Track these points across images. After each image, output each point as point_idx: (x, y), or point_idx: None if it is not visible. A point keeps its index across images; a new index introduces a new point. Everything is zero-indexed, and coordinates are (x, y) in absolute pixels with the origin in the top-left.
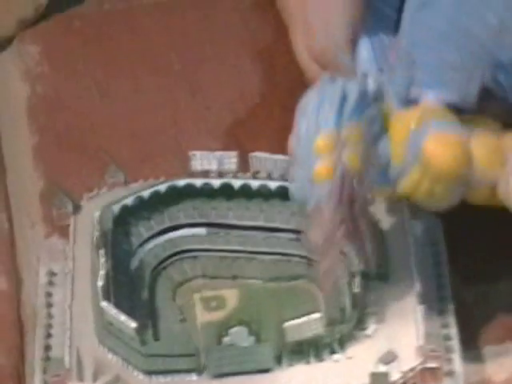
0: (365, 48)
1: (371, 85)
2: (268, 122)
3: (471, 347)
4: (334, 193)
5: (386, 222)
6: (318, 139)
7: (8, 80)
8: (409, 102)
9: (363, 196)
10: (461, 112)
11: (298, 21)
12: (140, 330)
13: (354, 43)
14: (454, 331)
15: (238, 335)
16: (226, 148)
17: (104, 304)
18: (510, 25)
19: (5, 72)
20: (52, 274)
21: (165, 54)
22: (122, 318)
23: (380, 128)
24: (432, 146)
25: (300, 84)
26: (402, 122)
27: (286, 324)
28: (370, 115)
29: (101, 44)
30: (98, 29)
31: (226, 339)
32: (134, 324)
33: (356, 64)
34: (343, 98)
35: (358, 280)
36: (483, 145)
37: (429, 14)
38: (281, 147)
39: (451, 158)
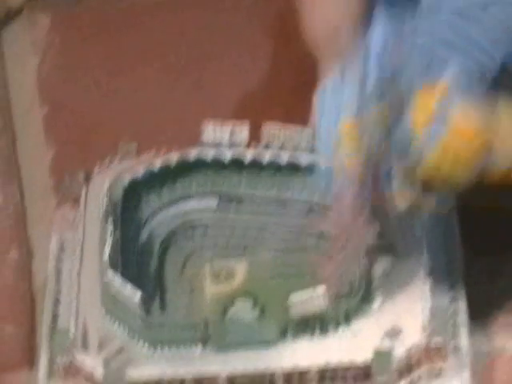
0: (379, 27)
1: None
2: (280, 92)
3: (481, 319)
4: (359, 180)
5: None
6: (340, 128)
7: (18, 50)
8: (429, 80)
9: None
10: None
11: None
12: (146, 301)
13: (366, 22)
14: (462, 306)
15: (243, 307)
16: (236, 118)
17: (110, 274)
18: None
19: (15, 42)
20: (63, 243)
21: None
22: (128, 288)
23: (400, 109)
24: (460, 114)
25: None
26: (425, 99)
27: (292, 297)
28: (391, 95)
29: (111, 13)
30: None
31: (231, 311)
32: (138, 295)
33: (368, 44)
34: (363, 81)
35: (364, 254)
36: (510, 119)
37: None
38: (293, 118)
39: (479, 125)
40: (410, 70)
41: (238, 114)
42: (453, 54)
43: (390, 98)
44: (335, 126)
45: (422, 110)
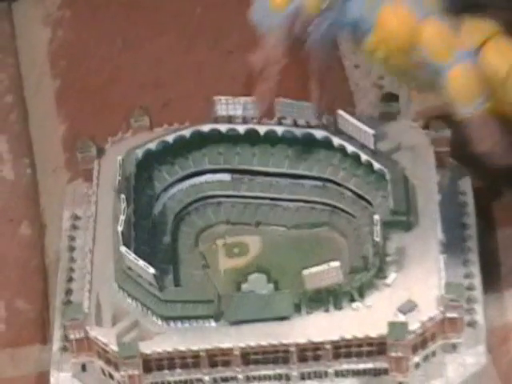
0: None
1: None
2: (292, 66)
3: (495, 291)
4: (284, 23)
5: (411, 170)
6: None
7: (29, 24)
8: None
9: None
10: None
11: None
12: (159, 276)
13: None
14: (477, 281)
15: (257, 282)
16: (249, 93)
17: (123, 249)
18: None
19: (25, 16)
20: (75, 217)
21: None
22: (141, 263)
23: None
24: (385, 13)
25: None
26: None
27: (305, 272)
28: None
29: None
30: None
31: (244, 286)
32: (152, 270)
33: None
34: None
35: (378, 228)
36: (436, 32)
37: None
38: (306, 93)
39: (396, 29)
40: None
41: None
42: None
43: None
44: None
45: None
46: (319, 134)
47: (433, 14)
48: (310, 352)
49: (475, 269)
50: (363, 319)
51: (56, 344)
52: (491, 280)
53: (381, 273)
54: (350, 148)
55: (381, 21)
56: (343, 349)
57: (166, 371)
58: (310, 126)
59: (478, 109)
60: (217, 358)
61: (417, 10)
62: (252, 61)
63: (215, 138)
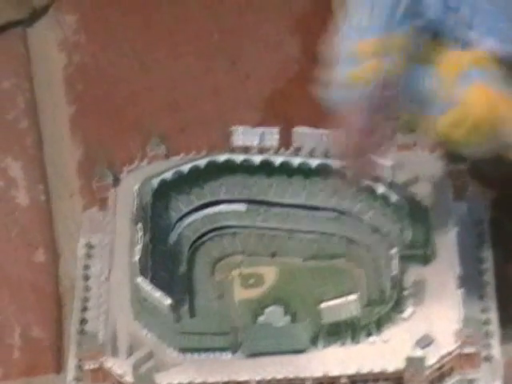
0: None
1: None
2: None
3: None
4: (371, 97)
5: (429, 202)
6: (362, 42)
7: (45, 49)
8: (465, 44)
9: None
10: None
11: None
12: (175, 307)
13: None
14: (494, 316)
15: (274, 314)
16: (266, 119)
17: (140, 279)
18: None
19: (41, 41)
20: (91, 246)
21: (203, 22)
22: (158, 294)
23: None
24: (473, 94)
25: None
26: (455, 61)
27: (323, 305)
28: (420, 26)
29: (139, 12)
30: None
31: (261, 318)
32: (169, 300)
33: None
34: (396, 2)
35: (396, 262)
36: None
37: None
38: (324, 120)
39: (487, 110)
40: (452, 25)
41: (267, 117)
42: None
43: (420, 26)
44: (359, 39)
45: (448, 69)
46: (336, 163)
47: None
48: None
49: (492, 303)
50: (380, 353)
51: (70, 373)
52: (507, 314)
53: (398, 306)
54: (366, 180)
55: (469, 102)
56: (360, 383)
57: None
58: (327, 157)
59: None
60: None
61: (500, 87)
62: (338, 140)
63: (231, 168)
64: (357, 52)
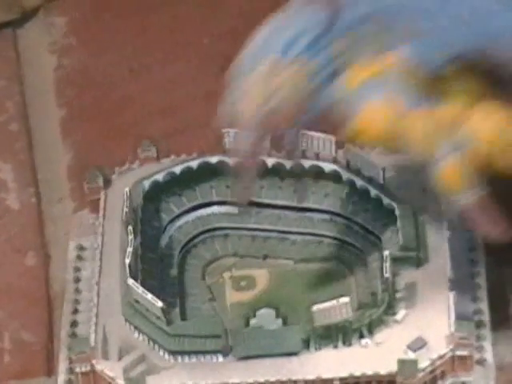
0: None
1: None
2: None
3: (504, 329)
4: (259, 122)
5: (421, 207)
6: (261, 63)
7: (35, 51)
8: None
9: (295, 133)
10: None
11: None
12: (166, 310)
13: None
14: (486, 319)
15: (266, 317)
16: None
17: (131, 282)
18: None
19: (31, 43)
20: (81, 248)
21: (195, 27)
22: (149, 296)
23: (331, 73)
24: (363, 113)
25: None
26: (358, 72)
27: (315, 307)
28: (326, 57)
29: (130, 17)
30: (126, 1)
31: (253, 321)
32: (160, 303)
33: None
34: (302, 31)
35: (388, 265)
36: (423, 123)
37: None
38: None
39: (377, 130)
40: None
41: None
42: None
43: (326, 57)
44: (259, 60)
45: (352, 80)
46: (328, 167)
47: (418, 104)
48: None
49: (484, 306)
50: (372, 356)
51: (61, 376)
52: (499, 317)
53: (390, 309)
54: (359, 182)
55: (362, 117)
56: None
57: None
58: (318, 159)
59: (474, 196)
60: None
61: (404, 99)
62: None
63: (223, 169)
64: (251, 78)
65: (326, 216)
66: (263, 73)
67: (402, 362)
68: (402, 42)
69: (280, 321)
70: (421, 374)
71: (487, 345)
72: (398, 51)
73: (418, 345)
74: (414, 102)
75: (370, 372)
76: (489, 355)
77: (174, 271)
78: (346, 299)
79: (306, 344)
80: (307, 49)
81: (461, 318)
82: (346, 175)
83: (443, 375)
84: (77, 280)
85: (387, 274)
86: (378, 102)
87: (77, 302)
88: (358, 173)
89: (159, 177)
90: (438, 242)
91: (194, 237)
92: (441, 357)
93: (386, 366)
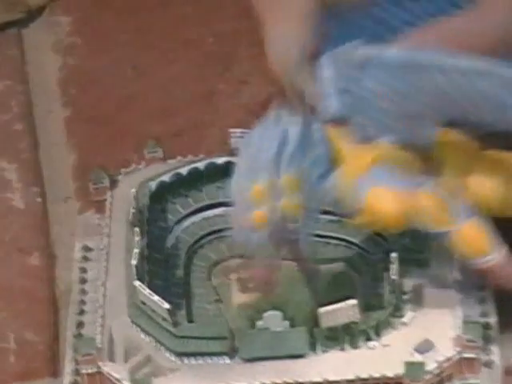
0: (328, 66)
1: (334, 106)
2: None
3: (511, 333)
4: (269, 239)
5: None
6: (253, 189)
7: (39, 51)
8: (367, 139)
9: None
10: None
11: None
12: (173, 311)
13: (315, 59)
14: (493, 320)
15: (272, 319)
16: None
17: (137, 283)
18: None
19: (35, 42)
20: (87, 249)
21: (198, 27)
22: (155, 298)
23: (326, 168)
24: (371, 200)
25: None
26: (355, 162)
27: (321, 309)
28: (314, 158)
29: (133, 16)
30: (130, 0)
31: (259, 323)
32: (166, 305)
33: (318, 83)
34: (282, 145)
35: (395, 266)
36: (430, 201)
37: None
38: None
39: (388, 213)
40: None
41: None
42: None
43: (314, 158)
44: (250, 185)
45: (348, 173)
46: None
47: (422, 184)
48: None
49: (491, 308)
50: (379, 358)
51: (67, 378)
52: (507, 319)
53: (397, 311)
54: None
55: (370, 206)
56: None
57: None
58: None
59: (500, 253)
60: None
61: (405, 184)
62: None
63: (230, 170)
64: (249, 197)
65: (333, 217)
66: (260, 191)
67: (409, 365)
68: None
69: (286, 323)
70: (428, 377)
71: (494, 347)
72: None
73: (425, 347)
74: (415, 183)
75: (376, 374)
76: (496, 357)
77: (181, 272)
78: (353, 301)
79: (313, 346)
80: (292, 160)
81: (468, 320)
82: None
83: (450, 378)
84: (82, 281)
85: (394, 276)
86: (382, 187)
87: (82, 302)
88: None
89: (166, 177)
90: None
91: (201, 238)
92: (448, 359)
93: (393, 368)
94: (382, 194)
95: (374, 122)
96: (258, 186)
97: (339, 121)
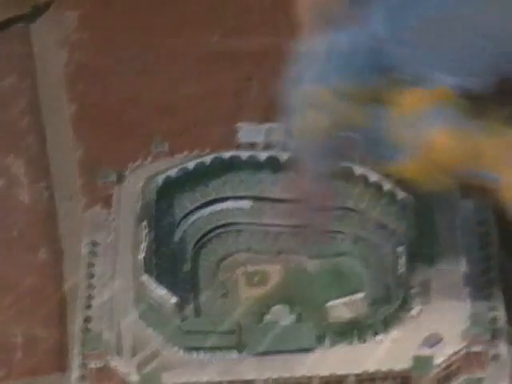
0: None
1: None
2: None
3: None
4: (321, 148)
5: (435, 201)
6: (319, 91)
7: (46, 46)
8: (425, 81)
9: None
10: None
11: None
12: (180, 306)
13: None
14: (501, 314)
15: (280, 313)
16: (270, 119)
17: (145, 278)
18: None
19: (42, 38)
20: (94, 244)
21: (205, 23)
22: (163, 292)
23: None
24: (437, 138)
25: None
26: (414, 101)
27: (329, 303)
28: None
29: (140, 12)
30: None
31: (267, 316)
32: (174, 299)
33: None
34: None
35: (403, 260)
36: (491, 144)
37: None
38: None
39: (453, 154)
40: (409, 64)
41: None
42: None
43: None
44: (306, 91)
45: (407, 110)
46: None
47: (484, 130)
48: None
49: (499, 302)
50: (387, 352)
51: (75, 372)
52: None
53: (405, 305)
54: (373, 177)
55: (434, 142)
56: (367, 382)
57: None
58: None
59: None
60: None
61: (469, 127)
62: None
63: (236, 165)
64: (315, 101)
65: (340, 211)
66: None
67: (416, 359)
68: (445, 73)
69: (294, 317)
70: (436, 371)
71: (502, 341)
72: (443, 81)
73: (433, 341)
74: (478, 128)
75: (384, 368)
76: (503, 351)
77: (188, 267)
78: (360, 295)
79: (321, 340)
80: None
81: (476, 314)
82: (358, 170)
83: (458, 371)
84: (90, 276)
85: (402, 270)
86: (447, 125)
87: (90, 297)
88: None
89: (172, 172)
90: (452, 237)
91: (208, 232)
92: (456, 353)
93: (401, 362)
94: (448, 132)
95: (442, 60)
96: (323, 92)
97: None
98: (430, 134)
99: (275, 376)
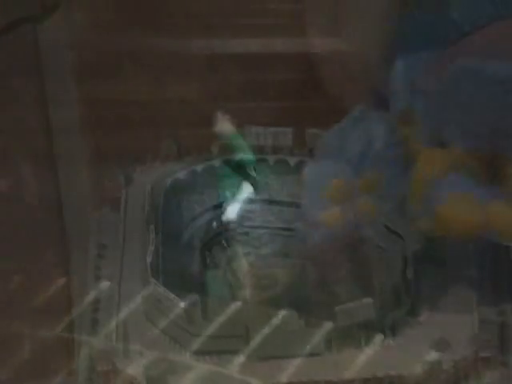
0: (401, 66)
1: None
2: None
3: None
4: (341, 237)
5: None
6: (332, 186)
7: (54, 46)
8: (438, 143)
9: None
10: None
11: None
12: (188, 309)
13: (389, 59)
14: (510, 319)
15: (287, 317)
16: (278, 121)
17: (152, 281)
18: None
19: (50, 38)
20: (102, 246)
21: (213, 23)
22: (170, 295)
23: (400, 168)
24: (449, 205)
25: None
26: (428, 166)
27: (337, 308)
28: (393, 159)
29: (149, 12)
30: None
31: (274, 320)
32: (182, 303)
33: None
34: (367, 144)
35: (411, 265)
36: (502, 213)
37: None
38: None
39: (464, 220)
40: (423, 124)
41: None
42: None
43: (393, 159)
44: (329, 182)
45: (422, 175)
46: None
47: (497, 196)
48: None
49: (508, 306)
50: (395, 357)
51: (82, 375)
52: None
53: (413, 310)
54: None
55: (446, 210)
56: None
57: None
58: None
59: None
60: None
61: (482, 193)
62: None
63: (244, 167)
64: (328, 195)
65: None
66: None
67: (425, 364)
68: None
69: (302, 321)
70: (444, 376)
71: (511, 346)
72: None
73: (442, 346)
74: (491, 193)
75: (392, 373)
76: None
77: (196, 269)
78: (368, 300)
79: (329, 345)
80: (377, 162)
81: (484, 319)
82: None
83: (466, 377)
84: (97, 278)
85: (410, 275)
86: (460, 192)
87: (97, 300)
88: None
89: (181, 174)
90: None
91: (216, 235)
92: (464, 358)
93: (410, 367)
94: (461, 200)
95: (455, 127)
96: (337, 185)
97: (406, 117)
98: (441, 201)
99: (283, 381)
